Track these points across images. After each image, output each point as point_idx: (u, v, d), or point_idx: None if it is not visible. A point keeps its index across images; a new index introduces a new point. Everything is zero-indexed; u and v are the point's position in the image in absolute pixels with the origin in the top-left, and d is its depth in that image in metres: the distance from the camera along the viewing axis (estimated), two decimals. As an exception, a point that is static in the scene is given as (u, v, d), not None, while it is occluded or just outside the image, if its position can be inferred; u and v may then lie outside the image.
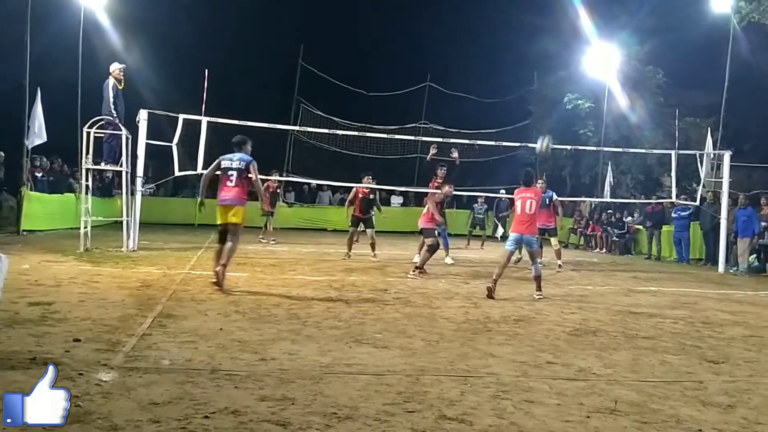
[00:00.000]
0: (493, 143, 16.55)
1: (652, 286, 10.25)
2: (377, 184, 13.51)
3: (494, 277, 7.96)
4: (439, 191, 11.04)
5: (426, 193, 13.03)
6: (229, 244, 7.41)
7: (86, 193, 11.58)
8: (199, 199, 7.98)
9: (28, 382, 3.55)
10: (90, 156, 11.43)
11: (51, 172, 16.22)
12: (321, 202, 23.70)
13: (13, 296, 5.82)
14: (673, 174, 14.90)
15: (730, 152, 14.30)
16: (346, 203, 13.19)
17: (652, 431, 3.39)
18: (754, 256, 13.60)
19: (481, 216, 18.23)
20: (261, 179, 15.44)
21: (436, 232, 10.49)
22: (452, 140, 13.85)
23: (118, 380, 3.72)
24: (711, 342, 5.77)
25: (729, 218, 13.46)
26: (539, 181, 12.65)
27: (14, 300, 5.75)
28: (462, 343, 5.23)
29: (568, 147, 18.87)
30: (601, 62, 20.94)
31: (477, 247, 16.97)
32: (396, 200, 23.83)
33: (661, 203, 17.14)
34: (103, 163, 11.87)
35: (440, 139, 13.83)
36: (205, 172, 8.50)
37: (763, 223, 13.37)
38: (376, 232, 12.71)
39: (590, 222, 19.92)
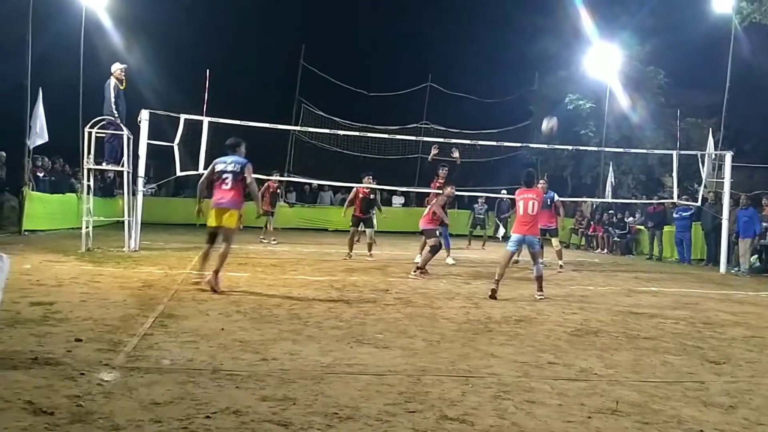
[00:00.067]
0: (494, 143, 16.56)
1: (654, 286, 10.25)
2: (378, 184, 13.53)
3: (496, 278, 7.96)
4: (441, 192, 11.04)
5: (427, 194, 13.06)
6: (221, 249, 7.35)
7: (88, 193, 11.58)
8: (197, 207, 7.82)
9: (30, 381, 3.57)
10: (91, 156, 11.44)
11: (52, 172, 16.24)
12: (322, 202, 23.71)
13: (14, 296, 5.82)
14: (674, 174, 14.89)
15: (732, 153, 14.30)
16: (346, 203, 13.20)
17: (653, 432, 3.39)
18: (756, 256, 13.59)
19: (482, 216, 18.22)
20: (261, 179, 15.54)
21: (437, 233, 10.49)
22: (453, 140, 13.86)
23: (120, 380, 3.72)
24: (712, 342, 5.77)
25: (730, 219, 13.46)
26: (541, 182, 12.66)
27: (16, 300, 5.76)
28: (463, 343, 5.23)
29: (570, 147, 18.88)
30: (602, 62, 20.94)
31: (478, 248, 16.97)
32: (397, 200, 23.83)
33: (663, 203, 17.14)
34: (104, 163, 11.88)
35: (441, 140, 13.84)
36: (205, 172, 8.47)
37: (764, 224, 13.36)
38: (376, 232, 12.72)
39: (591, 222, 19.93)
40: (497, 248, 15.56)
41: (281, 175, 17.94)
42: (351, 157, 21.21)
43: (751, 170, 19.62)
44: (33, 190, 14.11)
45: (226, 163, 7.55)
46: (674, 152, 15.29)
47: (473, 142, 15.96)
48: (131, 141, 11.64)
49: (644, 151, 18.36)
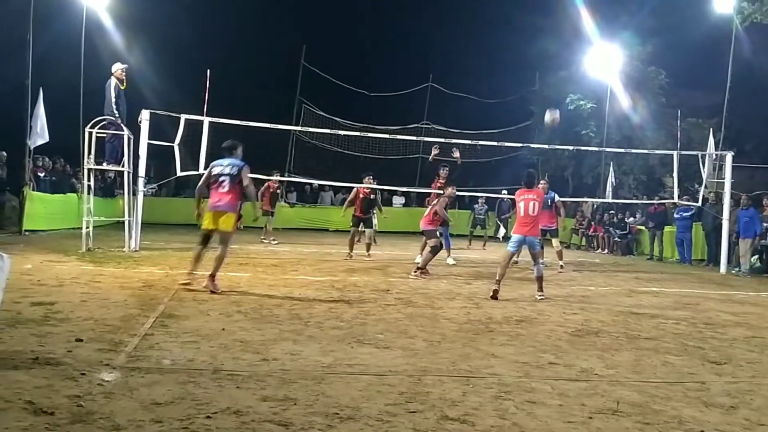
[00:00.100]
0: (494, 144, 16.55)
1: (654, 286, 10.24)
2: (379, 184, 13.53)
3: (497, 278, 7.95)
4: (442, 192, 11.04)
5: (428, 194, 13.06)
6: (218, 252, 7.33)
7: (88, 193, 11.59)
8: (196, 211, 7.73)
9: (30, 381, 3.57)
10: (92, 156, 11.44)
11: (53, 172, 16.24)
12: (323, 202, 23.71)
13: (15, 296, 5.82)
14: (675, 174, 14.88)
15: (732, 153, 14.29)
16: (346, 203, 13.21)
17: (654, 432, 3.38)
18: (756, 257, 13.59)
19: (482, 216, 18.24)
20: (261, 179, 15.53)
21: (438, 233, 10.49)
22: (454, 140, 13.86)
23: (121, 380, 3.72)
24: (713, 343, 5.76)
25: (731, 219, 13.45)
26: (541, 182, 12.67)
27: (17, 300, 5.76)
28: (464, 343, 5.23)
29: (571, 147, 18.88)
30: (603, 63, 20.92)
31: (479, 248, 16.97)
32: (398, 200, 23.83)
33: (664, 204, 17.13)
34: (105, 163, 11.88)
35: (442, 140, 13.84)
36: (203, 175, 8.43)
37: (765, 224, 13.35)
38: (378, 232, 12.72)
39: (592, 222, 19.92)
40: (498, 248, 15.56)
41: (281, 175, 17.95)
42: (351, 157, 21.22)
43: (752, 170, 19.63)
44: (34, 190, 14.11)
45: (223, 166, 7.53)
46: (675, 152, 15.28)
47: (474, 142, 15.96)
48: (132, 141, 11.64)
49: (645, 151, 18.36)
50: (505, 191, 17.60)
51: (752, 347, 5.66)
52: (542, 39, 23.42)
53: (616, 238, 18.36)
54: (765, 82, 19.42)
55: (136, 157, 11.91)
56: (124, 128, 11.51)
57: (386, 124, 19.20)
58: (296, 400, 3.54)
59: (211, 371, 4.00)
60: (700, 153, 15.38)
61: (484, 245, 17.32)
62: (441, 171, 12.21)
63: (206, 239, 7.48)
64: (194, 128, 12.27)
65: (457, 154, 12.55)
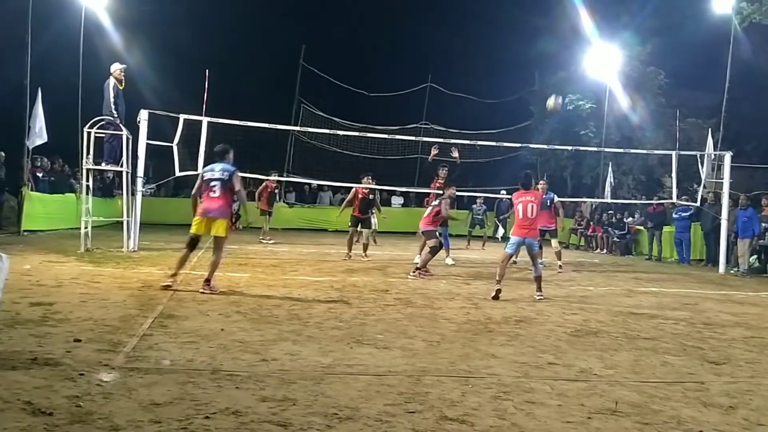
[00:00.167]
0: (494, 144, 16.56)
1: (653, 287, 10.25)
2: (378, 184, 13.52)
3: (498, 279, 7.93)
4: (442, 192, 11.04)
5: (427, 194, 13.07)
6: (213, 258, 7.34)
7: (87, 194, 11.58)
8: (193, 217, 7.67)
9: (30, 382, 3.57)
10: (91, 156, 11.43)
11: (52, 173, 16.22)
12: (322, 202, 23.69)
13: (14, 296, 5.82)
14: (674, 175, 14.88)
15: (731, 153, 14.29)
16: (344, 203, 13.20)
17: (653, 432, 3.39)
18: (755, 257, 13.60)
19: (480, 216, 18.26)
20: (260, 179, 15.50)
21: (437, 233, 10.49)
22: (453, 141, 13.86)
23: (119, 380, 3.72)
24: (712, 343, 5.77)
25: (730, 219, 13.45)
26: (541, 182, 12.68)
27: (16, 300, 5.76)
28: (463, 343, 5.23)
29: (570, 148, 18.89)
30: (603, 63, 20.93)
31: (478, 248, 16.97)
32: (397, 201, 23.82)
33: (662, 204, 17.14)
34: (103, 164, 11.87)
35: (441, 140, 13.84)
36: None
37: (763, 224, 13.36)
38: (378, 232, 12.70)
39: (591, 223, 19.93)
40: (497, 248, 15.56)
41: (280, 175, 17.94)
42: (351, 158, 21.20)
43: (751, 171, 19.60)
44: (32, 190, 14.10)
45: (214, 171, 7.50)
46: (674, 153, 15.28)
47: (473, 142, 15.97)
48: (130, 141, 11.64)
49: (644, 151, 18.36)
50: (504, 191, 17.59)
51: (751, 347, 5.67)
52: (541, 39, 23.40)
53: (615, 239, 18.36)
54: (764, 83, 19.41)
55: (135, 157, 11.90)
56: (123, 128, 11.50)
57: (385, 124, 19.18)
58: (295, 400, 3.54)
59: (210, 371, 3.99)
60: (699, 153, 15.39)
61: (483, 245, 17.33)
62: (440, 171, 12.22)
63: (194, 243, 7.45)
64: (193, 128, 12.26)
65: (456, 154, 12.56)
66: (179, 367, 4.07)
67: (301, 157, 22.87)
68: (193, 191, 7.69)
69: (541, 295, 7.95)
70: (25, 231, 13.30)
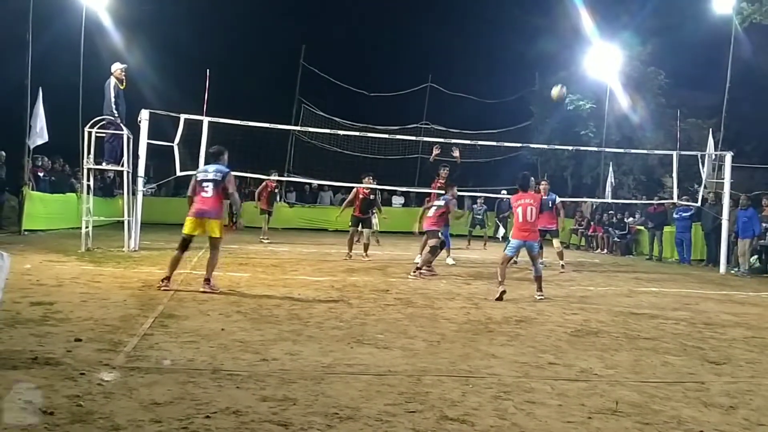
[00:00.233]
0: (494, 144, 16.56)
1: (654, 287, 10.25)
2: (378, 184, 13.52)
3: (500, 280, 7.90)
4: (444, 192, 11.04)
5: (427, 194, 13.08)
6: (209, 258, 7.36)
7: (88, 193, 11.59)
8: None
9: (30, 381, 3.57)
10: (91, 156, 11.44)
11: (53, 172, 16.23)
12: (322, 202, 23.69)
13: (15, 296, 5.83)
14: (674, 175, 14.89)
15: (732, 153, 14.29)
16: (345, 203, 13.21)
17: (653, 432, 3.39)
18: (756, 257, 13.59)
19: (480, 216, 18.28)
20: (260, 179, 15.49)
21: (439, 234, 10.50)
22: (453, 141, 13.86)
23: (120, 380, 3.72)
24: (712, 343, 5.77)
25: (730, 219, 13.45)
26: (542, 183, 12.69)
27: (16, 300, 5.76)
28: (463, 343, 5.23)
29: (570, 148, 18.88)
30: (603, 63, 20.91)
31: (478, 248, 16.98)
32: (397, 200, 23.82)
33: (663, 204, 17.14)
34: (104, 163, 11.88)
35: (442, 140, 13.84)
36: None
37: (764, 224, 13.35)
38: (379, 232, 12.69)
39: (591, 223, 19.92)
40: (498, 248, 15.55)
41: (280, 175, 17.94)
42: (351, 157, 21.20)
43: (752, 171, 19.61)
44: (33, 189, 14.11)
45: (208, 172, 7.52)
46: (674, 153, 15.28)
47: (473, 142, 15.97)
48: (131, 141, 11.64)
49: (644, 151, 18.36)
50: (504, 191, 17.61)
51: (751, 347, 5.67)
52: (542, 39, 23.38)
53: (616, 239, 18.36)
54: (765, 83, 19.39)
55: (136, 156, 11.91)
56: (124, 128, 11.50)
57: (386, 124, 19.18)
58: (296, 400, 3.54)
59: (211, 371, 4.00)
60: (699, 153, 15.39)
61: (484, 245, 17.33)
62: (441, 171, 12.22)
63: (186, 244, 7.45)
64: (194, 128, 12.27)
65: (456, 153, 12.57)
66: (180, 367, 4.07)
67: (301, 157, 22.88)
68: (189, 192, 7.67)
69: (542, 295, 7.95)
70: (25, 230, 13.31)
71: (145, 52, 20.21)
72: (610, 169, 20.36)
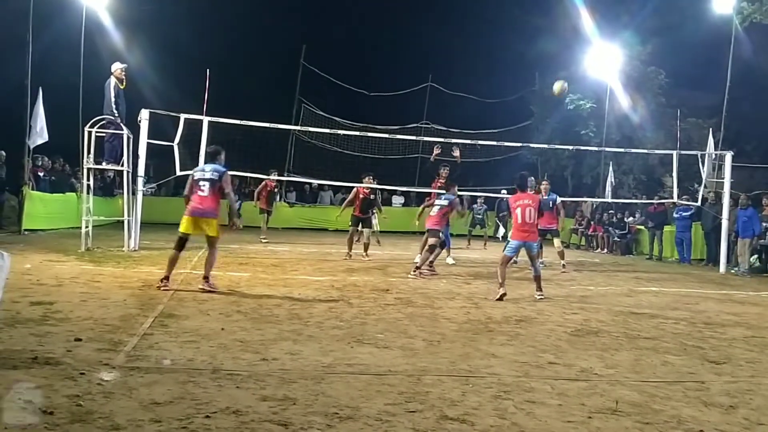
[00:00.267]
0: (494, 143, 16.55)
1: (654, 286, 10.25)
2: (378, 184, 13.52)
3: (500, 281, 7.89)
4: (444, 191, 11.04)
5: (427, 194, 13.08)
6: (207, 256, 7.38)
7: (88, 193, 11.59)
8: None
9: (30, 381, 3.57)
10: (91, 155, 11.44)
11: (53, 172, 16.23)
12: (322, 202, 23.69)
13: (15, 296, 5.83)
14: (674, 174, 14.88)
15: (732, 153, 14.30)
16: (345, 203, 13.21)
17: (653, 432, 3.39)
18: (756, 256, 13.59)
19: (480, 216, 18.29)
20: (260, 178, 15.48)
21: (440, 233, 10.50)
22: (454, 140, 13.86)
23: (120, 380, 3.72)
24: (713, 342, 5.77)
25: (730, 219, 13.45)
26: (543, 183, 12.69)
27: (16, 299, 5.76)
28: (464, 343, 5.23)
29: (570, 147, 18.88)
30: (603, 62, 20.90)
31: (479, 247, 16.98)
32: (397, 200, 23.81)
33: (663, 203, 17.13)
34: (104, 163, 11.88)
35: (442, 139, 13.84)
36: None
37: (764, 224, 13.34)
38: (380, 232, 12.68)
39: (591, 222, 19.91)
40: (498, 248, 15.55)
41: (280, 175, 17.94)
42: (351, 157, 21.19)
43: (752, 170, 19.60)
44: (33, 189, 14.10)
45: (205, 171, 7.54)
46: (675, 152, 15.28)
47: (474, 141, 15.96)
48: (131, 140, 11.64)
49: (645, 151, 18.35)
50: (504, 191, 17.61)
51: (751, 347, 5.67)
52: (542, 39, 23.36)
53: (616, 238, 18.35)
54: (765, 82, 19.38)
55: (136, 156, 11.91)
56: (124, 128, 11.51)
57: (386, 123, 19.18)
58: (296, 399, 3.54)
59: (211, 371, 4.00)
60: (699, 153, 15.39)
61: (484, 245, 17.33)
62: (441, 170, 12.21)
63: (183, 243, 7.45)
64: (194, 128, 12.27)
65: (456, 153, 12.56)
66: (180, 367, 4.07)
67: (301, 157, 22.87)
68: (185, 191, 7.69)
69: (542, 295, 7.95)
70: (25, 230, 13.31)
71: (145, 52, 20.20)
72: (611, 168, 20.35)
